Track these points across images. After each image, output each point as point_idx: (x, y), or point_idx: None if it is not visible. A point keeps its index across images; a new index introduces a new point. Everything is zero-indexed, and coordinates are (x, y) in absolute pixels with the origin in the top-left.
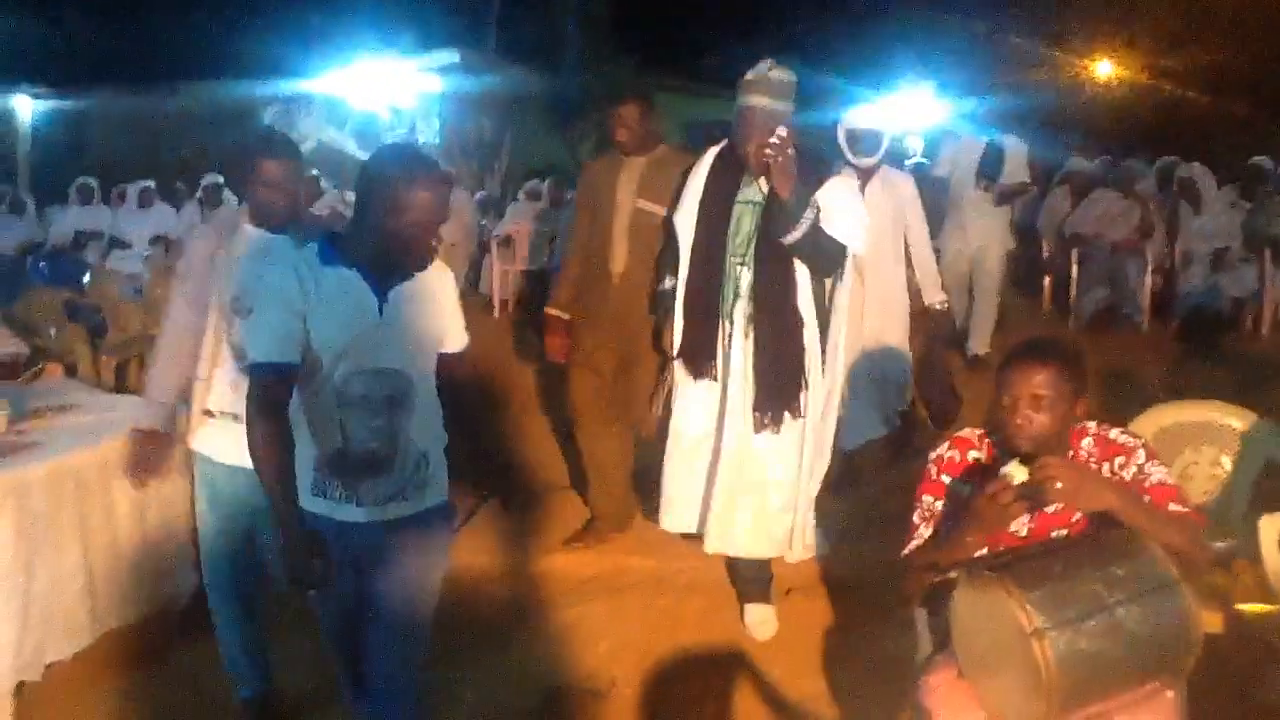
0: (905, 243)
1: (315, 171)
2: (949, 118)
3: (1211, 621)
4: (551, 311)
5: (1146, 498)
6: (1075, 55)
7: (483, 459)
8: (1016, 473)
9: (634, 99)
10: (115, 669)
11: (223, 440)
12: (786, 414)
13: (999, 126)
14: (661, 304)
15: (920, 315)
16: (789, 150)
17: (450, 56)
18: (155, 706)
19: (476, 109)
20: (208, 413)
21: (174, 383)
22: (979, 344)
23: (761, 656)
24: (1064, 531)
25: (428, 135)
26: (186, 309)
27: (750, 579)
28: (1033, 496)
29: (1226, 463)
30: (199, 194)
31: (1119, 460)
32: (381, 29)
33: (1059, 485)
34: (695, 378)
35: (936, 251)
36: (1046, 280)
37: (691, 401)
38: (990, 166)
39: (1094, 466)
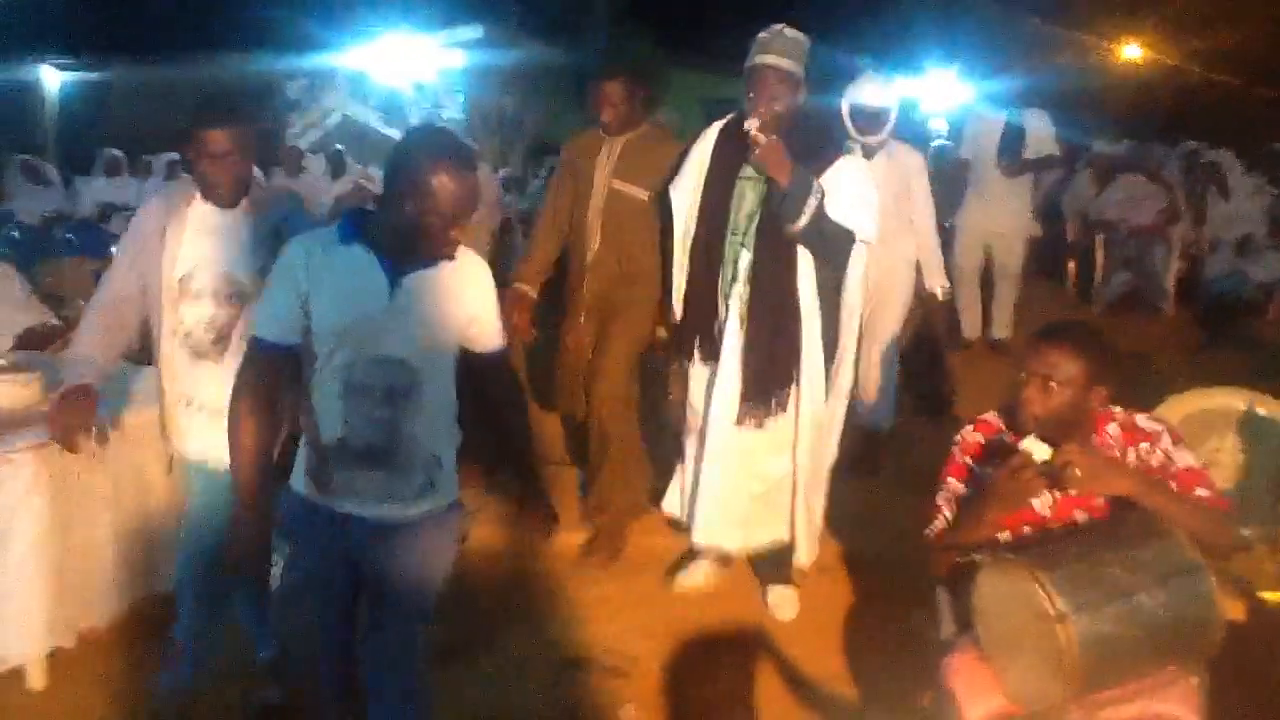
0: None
1: (339, 146)
2: (973, 98)
3: (1234, 609)
4: (518, 286)
5: (1173, 483)
6: (1102, 38)
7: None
8: (1036, 449)
9: (620, 75)
10: (148, 636)
11: (188, 437)
12: (772, 408)
13: (1016, 108)
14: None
15: (919, 298)
16: (771, 138)
17: (473, 32)
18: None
19: (499, 85)
20: (179, 402)
21: (103, 344)
22: (1001, 328)
23: (782, 636)
24: (1085, 514)
25: (451, 111)
26: (127, 274)
27: (772, 560)
28: (1053, 476)
29: (1251, 449)
30: None
31: (1144, 446)
32: (406, 4)
33: (1078, 472)
34: (691, 360)
35: (954, 232)
36: (1070, 265)
37: (695, 384)
38: (1011, 145)
39: (1120, 452)
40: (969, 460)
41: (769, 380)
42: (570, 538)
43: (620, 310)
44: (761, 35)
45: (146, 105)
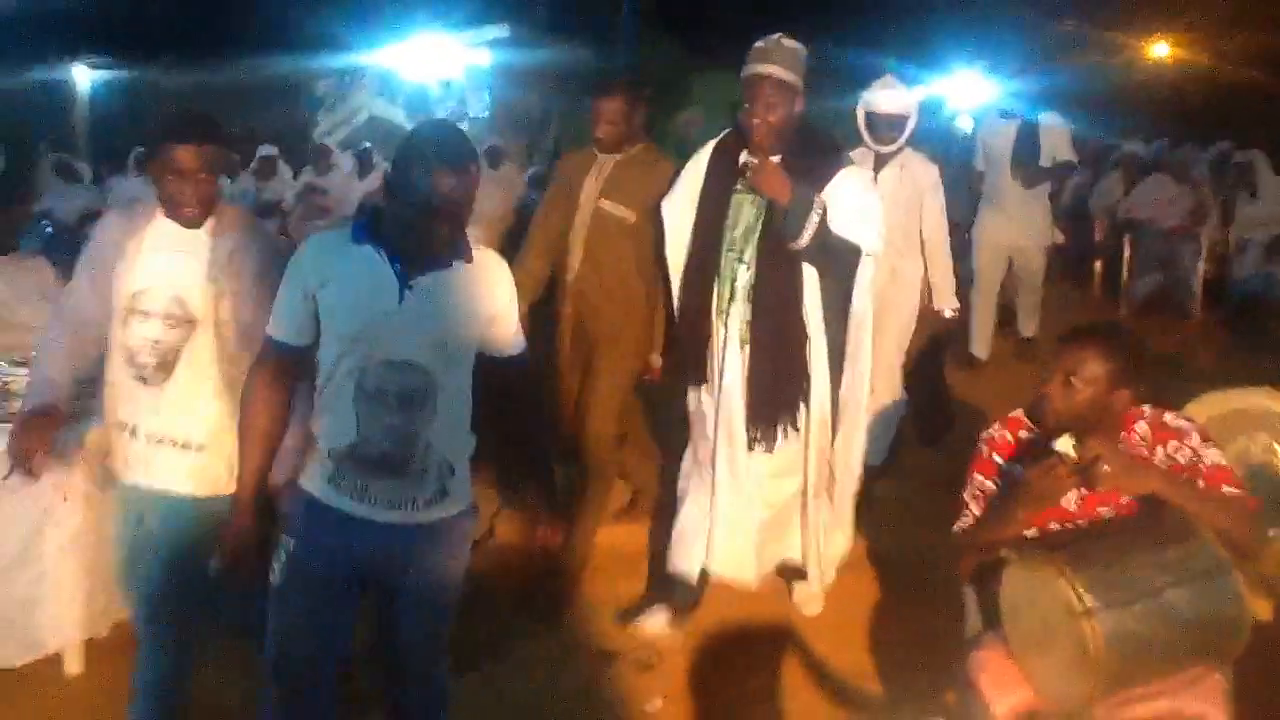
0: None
1: (368, 144)
2: (997, 100)
3: (1261, 608)
4: None
5: (1201, 481)
6: (1131, 37)
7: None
8: (1067, 447)
9: (619, 93)
10: None
11: (139, 463)
12: (782, 431)
13: (1045, 108)
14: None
15: (924, 318)
16: (767, 160)
17: (500, 31)
18: (217, 664)
19: (526, 84)
20: (119, 428)
21: (65, 365)
22: (1027, 327)
23: (808, 632)
24: (1113, 511)
25: (477, 109)
26: (88, 293)
27: None
28: (1082, 474)
29: (1279, 449)
30: (253, 166)
31: (1173, 444)
32: (433, 3)
33: (1107, 469)
34: (687, 383)
35: (968, 244)
36: (1097, 265)
37: (694, 409)
38: (1026, 152)
39: (1148, 450)
40: (997, 458)
41: (777, 402)
42: (597, 535)
43: (608, 341)
44: (758, 44)
45: (177, 104)
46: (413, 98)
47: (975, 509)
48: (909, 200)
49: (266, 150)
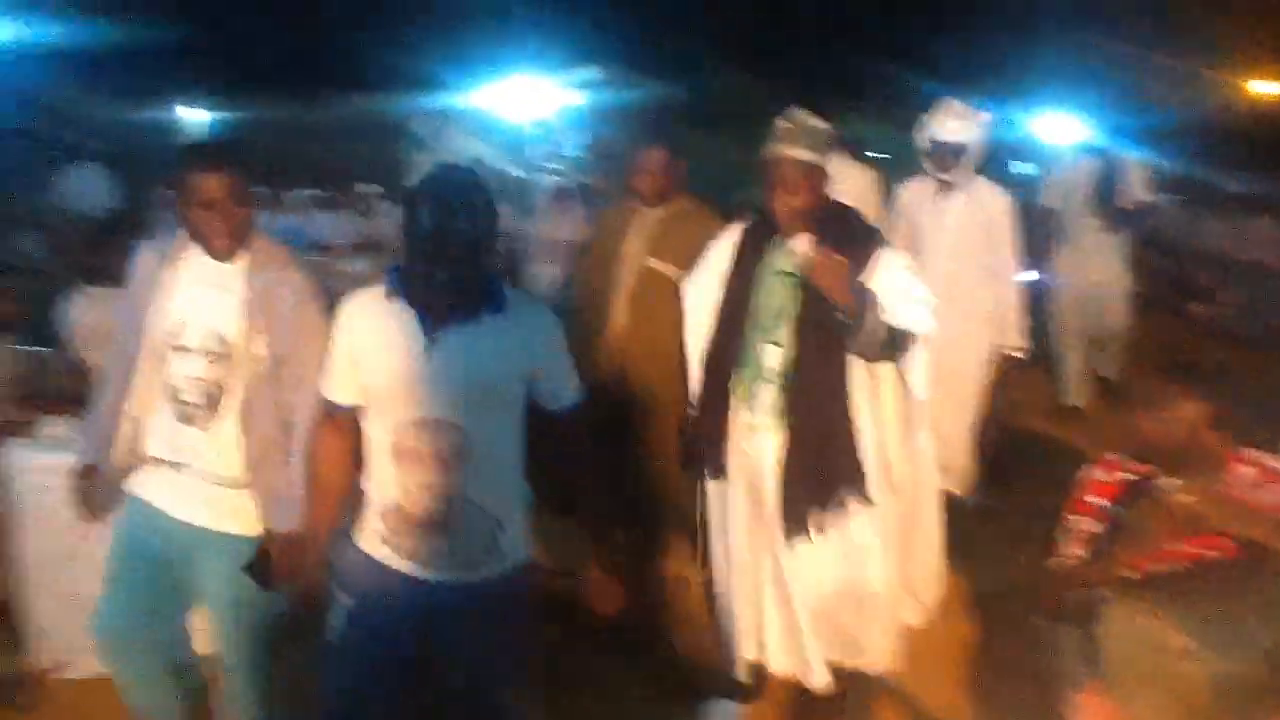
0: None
1: None
2: (1076, 134)
3: None
4: None
5: None
6: (1230, 73)
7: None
8: (1169, 488)
9: (662, 142)
10: None
11: (156, 485)
12: (828, 518)
13: (1129, 144)
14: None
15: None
16: (833, 257)
17: (593, 72)
18: None
19: (618, 123)
20: (147, 456)
21: (117, 412)
22: (1109, 370)
23: (903, 666)
24: (1218, 554)
25: (570, 149)
26: (133, 333)
27: None
28: (1184, 516)
29: None
30: (354, 203)
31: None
32: (528, 46)
33: (1206, 511)
34: (703, 474)
35: (1043, 288)
36: (1194, 304)
37: (714, 503)
38: (1104, 193)
39: (1251, 492)
40: (1095, 498)
41: (821, 491)
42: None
43: (650, 399)
44: (780, 124)
45: (281, 142)
46: (507, 137)
47: (1075, 548)
48: (977, 231)
49: (366, 188)
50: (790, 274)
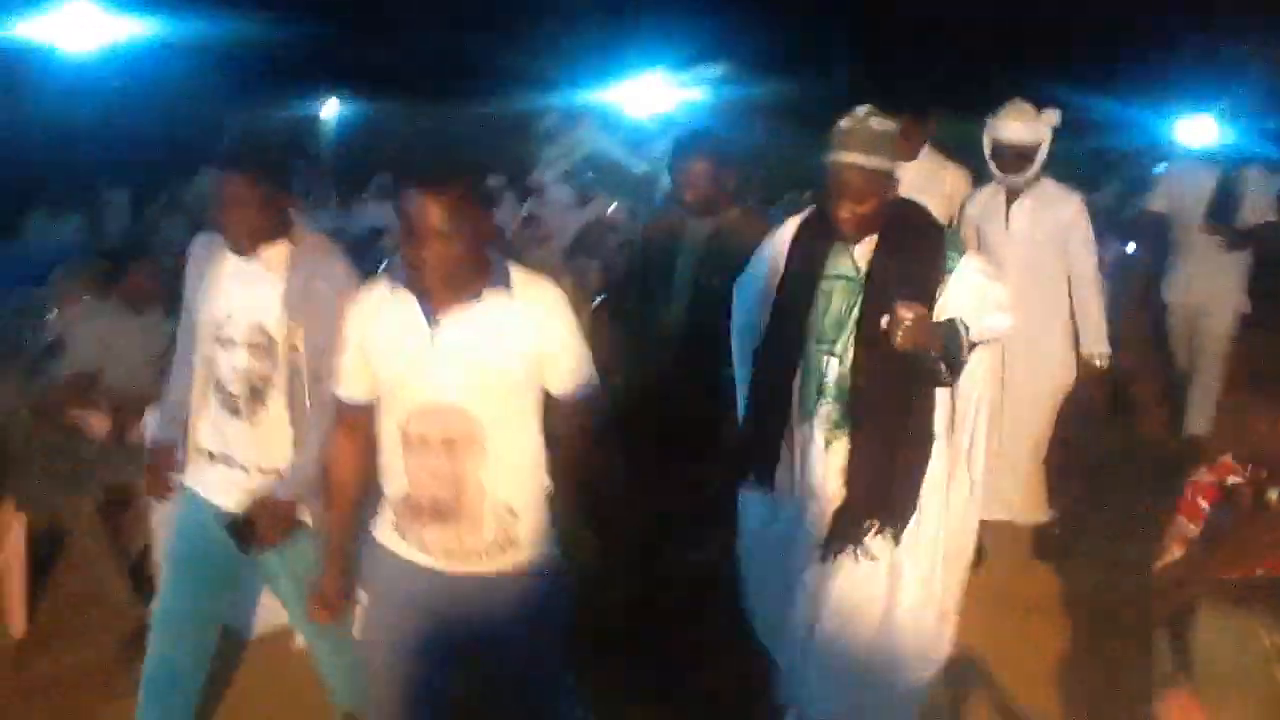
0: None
1: (590, 174)
2: (1204, 141)
3: None
4: None
5: None
6: None
7: None
8: (1273, 493)
9: (704, 153)
10: None
11: (204, 476)
12: (882, 541)
13: (1246, 153)
14: (723, 392)
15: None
16: (917, 313)
17: (717, 70)
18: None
19: (741, 121)
20: (198, 450)
21: (186, 397)
22: (1196, 422)
23: (995, 666)
24: None
25: None
26: (188, 327)
27: None
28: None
29: None
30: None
31: None
32: (653, 44)
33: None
34: (756, 487)
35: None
36: None
37: (750, 514)
38: (1222, 207)
39: None
40: (1203, 502)
41: (886, 510)
42: None
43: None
44: (842, 125)
45: (413, 137)
46: (632, 134)
47: (1177, 551)
48: (1048, 236)
49: (492, 181)
50: (850, 279)
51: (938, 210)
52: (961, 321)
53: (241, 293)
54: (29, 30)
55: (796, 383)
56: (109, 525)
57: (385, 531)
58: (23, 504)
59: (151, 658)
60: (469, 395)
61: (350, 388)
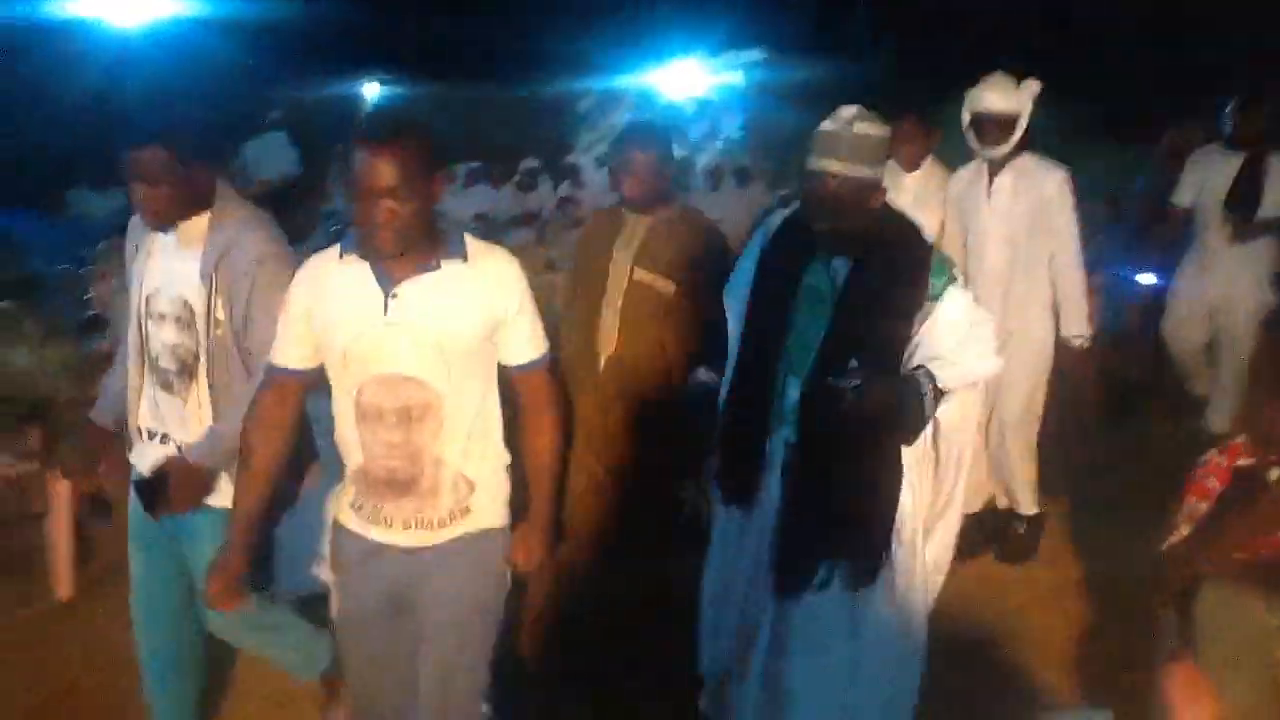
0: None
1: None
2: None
3: None
4: None
5: None
6: None
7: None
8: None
9: (653, 145)
10: None
11: (145, 455)
12: (831, 579)
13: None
14: (694, 401)
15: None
16: (869, 391)
17: (755, 53)
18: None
19: (778, 104)
20: (138, 428)
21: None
22: (1219, 420)
23: (1008, 648)
24: None
25: (729, 129)
26: (126, 305)
27: None
28: None
29: None
30: (516, 177)
31: None
32: (690, 29)
33: None
34: (728, 503)
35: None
36: None
37: (721, 535)
38: (1244, 197)
39: None
40: (1213, 482)
41: (833, 548)
42: None
43: (643, 423)
44: (823, 127)
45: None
46: (668, 117)
47: (1185, 529)
48: (1029, 211)
49: (529, 163)
50: (824, 296)
51: (936, 226)
52: (927, 374)
53: (165, 268)
54: (73, 8)
55: (775, 401)
56: None
57: (344, 511)
58: (69, 472)
59: (141, 653)
60: (425, 365)
61: (287, 356)
